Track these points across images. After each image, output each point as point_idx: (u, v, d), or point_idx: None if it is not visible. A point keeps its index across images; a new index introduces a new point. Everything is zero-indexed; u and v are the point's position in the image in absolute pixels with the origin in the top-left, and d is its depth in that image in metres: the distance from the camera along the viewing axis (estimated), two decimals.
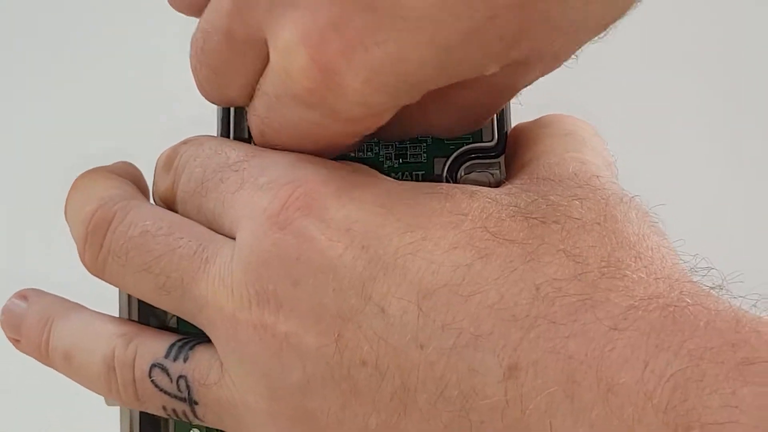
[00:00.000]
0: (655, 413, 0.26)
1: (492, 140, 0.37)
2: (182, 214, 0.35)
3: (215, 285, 0.32)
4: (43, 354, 0.36)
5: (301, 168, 0.32)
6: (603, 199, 0.31)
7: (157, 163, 0.36)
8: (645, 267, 0.29)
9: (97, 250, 0.34)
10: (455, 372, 0.28)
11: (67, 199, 0.36)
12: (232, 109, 0.38)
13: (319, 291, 0.30)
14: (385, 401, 0.29)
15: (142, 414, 0.36)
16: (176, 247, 0.33)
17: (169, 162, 0.35)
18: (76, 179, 0.37)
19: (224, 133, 0.37)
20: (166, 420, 0.37)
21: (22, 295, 0.37)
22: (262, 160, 0.33)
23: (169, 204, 0.35)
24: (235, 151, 0.34)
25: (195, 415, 0.33)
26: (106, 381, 0.34)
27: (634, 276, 0.29)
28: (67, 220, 0.36)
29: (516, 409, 0.28)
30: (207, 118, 0.38)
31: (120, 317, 0.36)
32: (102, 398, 0.36)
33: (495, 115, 0.37)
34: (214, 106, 0.37)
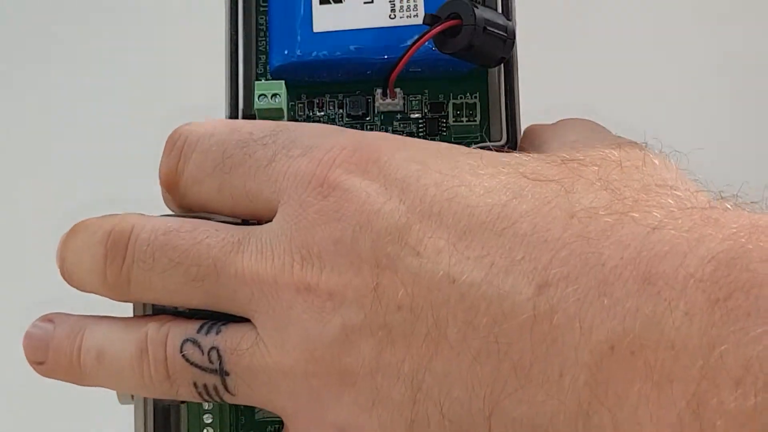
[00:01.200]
0: (695, 289, 0.26)
1: (501, 139, 0.37)
2: (192, 197, 0.35)
3: (252, 260, 0.32)
4: (75, 363, 0.35)
5: (336, 136, 0.33)
6: (641, 149, 0.31)
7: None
8: (683, 197, 0.29)
9: (120, 263, 0.34)
10: (485, 299, 0.29)
11: (64, 242, 0.35)
12: (240, 95, 0.38)
13: (358, 244, 0.30)
14: (418, 344, 0.30)
15: (156, 411, 0.36)
16: (203, 238, 0.33)
17: (171, 143, 0.35)
18: (72, 227, 0.36)
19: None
20: (178, 418, 0.37)
21: (48, 319, 0.36)
22: (291, 133, 0.33)
23: (172, 188, 0.35)
24: (256, 127, 0.34)
25: (226, 388, 0.33)
26: (138, 364, 0.34)
27: (672, 200, 0.29)
28: (66, 260, 0.35)
29: (545, 322, 0.28)
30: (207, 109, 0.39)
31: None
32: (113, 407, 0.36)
33: (505, 115, 0.38)
34: (217, 99, 0.38)
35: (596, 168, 0.30)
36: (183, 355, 0.33)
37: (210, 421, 0.37)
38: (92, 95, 0.85)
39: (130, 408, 0.37)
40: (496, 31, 0.36)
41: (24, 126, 0.86)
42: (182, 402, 0.36)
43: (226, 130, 0.34)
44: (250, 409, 0.37)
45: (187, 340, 0.33)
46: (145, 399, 0.36)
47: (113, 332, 0.35)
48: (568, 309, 0.28)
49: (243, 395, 0.33)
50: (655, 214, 0.28)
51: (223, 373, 0.33)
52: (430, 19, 0.36)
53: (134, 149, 0.77)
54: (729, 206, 0.29)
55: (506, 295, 0.29)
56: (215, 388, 0.33)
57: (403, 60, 0.37)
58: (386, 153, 0.32)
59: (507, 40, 0.37)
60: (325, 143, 0.32)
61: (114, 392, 0.36)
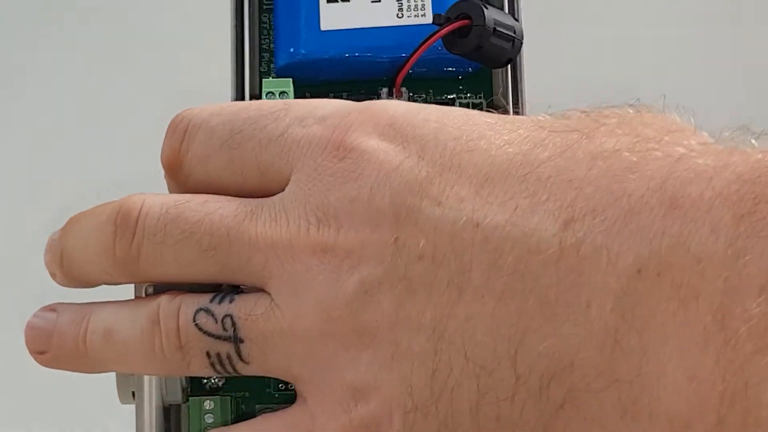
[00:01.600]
0: (721, 207, 0.27)
1: None
2: (197, 176, 0.34)
3: (266, 226, 0.32)
4: (81, 346, 0.34)
5: (350, 105, 0.33)
6: (656, 108, 0.31)
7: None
8: (706, 136, 0.30)
9: (130, 238, 0.33)
10: (509, 239, 0.29)
11: (62, 234, 0.35)
12: (246, 94, 0.38)
13: (375, 201, 0.30)
14: (440, 291, 0.29)
15: (157, 411, 0.36)
16: (216, 209, 0.32)
17: (173, 125, 0.34)
18: (68, 220, 0.35)
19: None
20: (179, 417, 0.37)
21: (50, 308, 0.35)
22: (302, 107, 0.33)
23: (175, 169, 0.34)
24: (265, 104, 0.34)
25: (239, 356, 0.32)
26: (150, 337, 0.33)
27: (694, 141, 0.29)
28: (66, 249, 0.35)
29: (571, 254, 0.28)
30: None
31: None
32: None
33: (511, 114, 0.38)
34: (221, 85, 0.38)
35: (616, 118, 0.31)
36: (196, 324, 0.32)
37: (211, 420, 0.36)
38: (94, 92, 0.85)
39: (130, 408, 0.36)
40: (505, 32, 0.36)
41: (20, 124, 0.86)
42: (184, 402, 0.36)
43: (234, 110, 0.34)
44: (252, 409, 0.37)
45: (201, 309, 0.32)
46: (146, 398, 0.35)
47: (121, 311, 0.34)
48: (595, 239, 0.28)
49: (257, 363, 0.32)
50: (679, 149, 0.29)
51: (237, 340, 0.32)
52: (440, 20, 0.36)
53: (138, 143, 0.77)
54: (755, 142, 0.29)
55: (531, 233, 0.28)
56: (228, 357, 0.32)
57: (412, 60, 0.37)
58: (402, 115, 0.32)
59: (515, 40, 0.37)
60: (339, 111, 0.32)
61: (115, 391, 0.36)
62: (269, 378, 0.35)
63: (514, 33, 0.36)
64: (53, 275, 0.35)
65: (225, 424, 0.36)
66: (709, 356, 0.26)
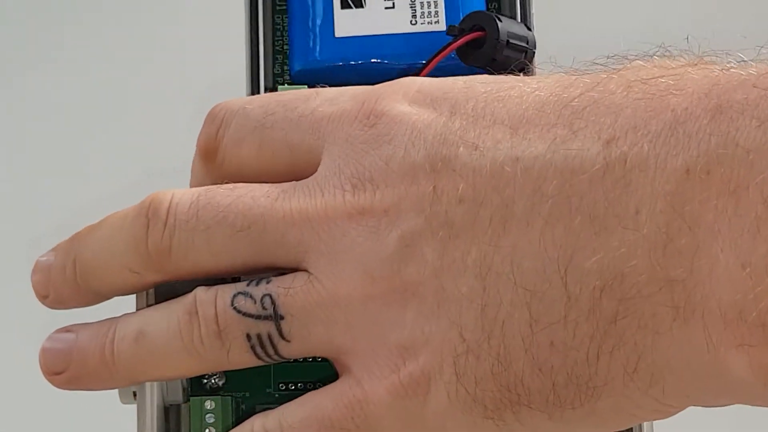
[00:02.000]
0: (767, 103, 0.27)
1: None
2: (230, 161, 0.34)
3: (300, 201, 0.32)
4: (107, 358, 0.34)
5: (376, 86, 0.33)
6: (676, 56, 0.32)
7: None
8: (741, 57, 0.30)
9: (162, 228, 0.33)
10: (551, 165, 0.29)
11: (81, 240, 0.34)
12: (261, 81, 0.39)
13: (410, 156, 0.30)
14: (483, 229, 0.29)
15: (158, 411, 0.36)
16: (246, 192, 0.32)
17: (212, 115, 0.35)
18: (80, 230, 0.35)
19: None
20: (179, 418, 0.37)
21: (66, 330, 0.35)
22: (332, 90, 0.33)
23: (210, 155, 0.35)
24: (298, 91, 0.34)
25: (281, 334, 0.32)
26: (188, 329, 0.32)
27: (726, 62, 0.30)
28: (85, 253, 0.34)
29: (617, 167, 0.28)
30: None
31: None
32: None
33: None
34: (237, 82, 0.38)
35: (640, 61, 0.31)
36: (234, 308, 0.32)
37: (212, 420, 0.36)
38: (106, 95, 0.86)
39: (131, 408, 0.36)
40: (518, 43, 0.36)
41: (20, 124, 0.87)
42: (185, 402, 0.36)
43: (268, 96, 0.34)
44: (252, 409, 0.37)
45: (238, 293, 0.32)
46: (147, 398, 0.35)
47: (152, 312, 0.34)
48: (642, 149, 0.28)
49: (299, 340, 0.32)
50: (715, 68, 0.29)
51: (277, 318, 0.32)
52: (454, 31, 0.36)
53: (148, 145, 0.77)
54: None
55: (574, 156, 0.29)
56: (269, 337, 0.32)
57: (425, 71, 0.37)
58: (430, 83, 0.32)
59: (528, 51, 0.37)
60: (367, 89, 0.33)
61: (116, 392, 0.35)
62: (269, 378, 0.35)
63: (527, 43, 0.37)
64: (44, 298, 0.35)
65: (225, 424, 0.36)
66: (761, 241, 0.26)
